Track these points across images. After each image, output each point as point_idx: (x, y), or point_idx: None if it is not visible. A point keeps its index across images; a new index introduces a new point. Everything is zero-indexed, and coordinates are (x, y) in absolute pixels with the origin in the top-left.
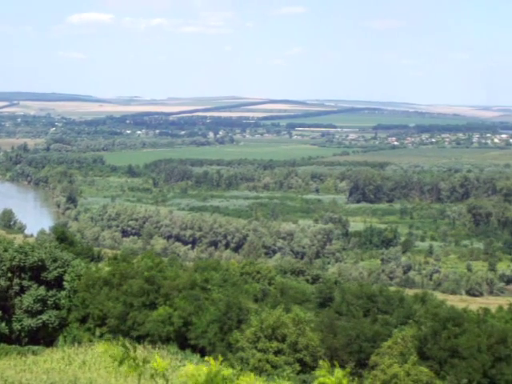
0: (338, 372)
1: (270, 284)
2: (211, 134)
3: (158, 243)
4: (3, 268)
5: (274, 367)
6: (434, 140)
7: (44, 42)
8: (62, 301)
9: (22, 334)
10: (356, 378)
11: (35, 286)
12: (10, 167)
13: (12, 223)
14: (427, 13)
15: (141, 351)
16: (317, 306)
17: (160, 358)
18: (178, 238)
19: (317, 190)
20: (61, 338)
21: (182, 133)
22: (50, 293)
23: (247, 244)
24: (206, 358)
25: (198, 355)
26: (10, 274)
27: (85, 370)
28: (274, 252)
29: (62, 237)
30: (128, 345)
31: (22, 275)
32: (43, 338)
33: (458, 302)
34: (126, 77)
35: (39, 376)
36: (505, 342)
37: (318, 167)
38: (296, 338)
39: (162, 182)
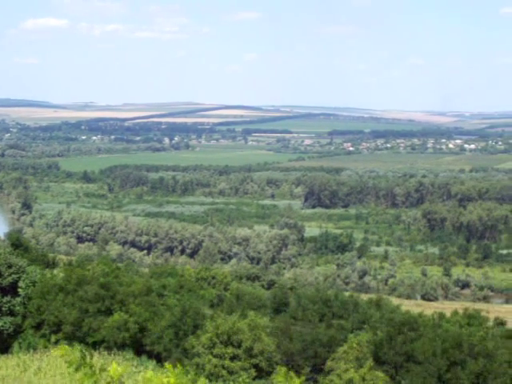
0: (295, 380)
1: (225, 289)
2: (167, 140)
3: (114, 249)
4: None
5: (230, 373)
6: (389, 145)
7: None
8: (17, 307)
9: None
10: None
11: None
12: None
13: None
14: (381, 19)
15: (97, 358)
16: (272, 312)
17: (116, 365)
18: (133, 244)
19: (272, 196)
20: (16, 344)
21: (138, 139)
22: (5, 299)
23: (203, 250)
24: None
25: (154, 361)
26: None
27: (40, 376)
28: (230, 257)
29: (16, 243)
30: (84, 351)
31: None
32: None
33: (413, 306)
34: (82, 82)
35: None
36: (460, 347)
37: (274, 173)
38: (252, 343)
39: (118, 188)
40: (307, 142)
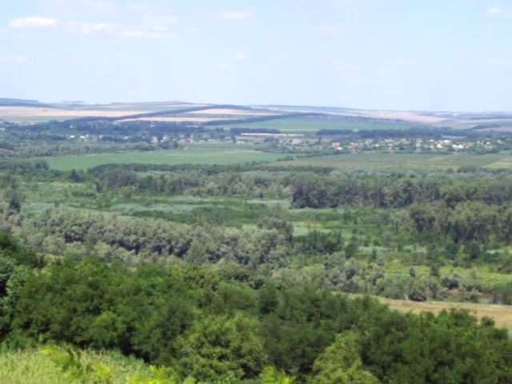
0: (285, 380)
1: (213, 289)
2: (155, 139)
3: (102, 248)
4: None
5: (218, 372)
6: (377, 145)
7: None
8: (5, 307)
9: None
10: (300, 383)
11: None
12: None
13: None
14: (370, 19)
15: (84, 357)
16: (260, 311)
17: (104, 365)
18: (121, 243)
19: (261, 195)
20: (3, 343)
21: (126, 138)
22: None
23: (191, 249)
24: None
25: (142, 360)
26: None
27: (28, 375)
28: (218, 257)
29: (4, 242)
30: (72, 351)
31: None
32: None
33: (401, 306)
34: (70, 81)
35: None
36: (447, 347)
37: (262, 172)
38: (240, 343)
39: (106, 187)
40: (296, 141)
